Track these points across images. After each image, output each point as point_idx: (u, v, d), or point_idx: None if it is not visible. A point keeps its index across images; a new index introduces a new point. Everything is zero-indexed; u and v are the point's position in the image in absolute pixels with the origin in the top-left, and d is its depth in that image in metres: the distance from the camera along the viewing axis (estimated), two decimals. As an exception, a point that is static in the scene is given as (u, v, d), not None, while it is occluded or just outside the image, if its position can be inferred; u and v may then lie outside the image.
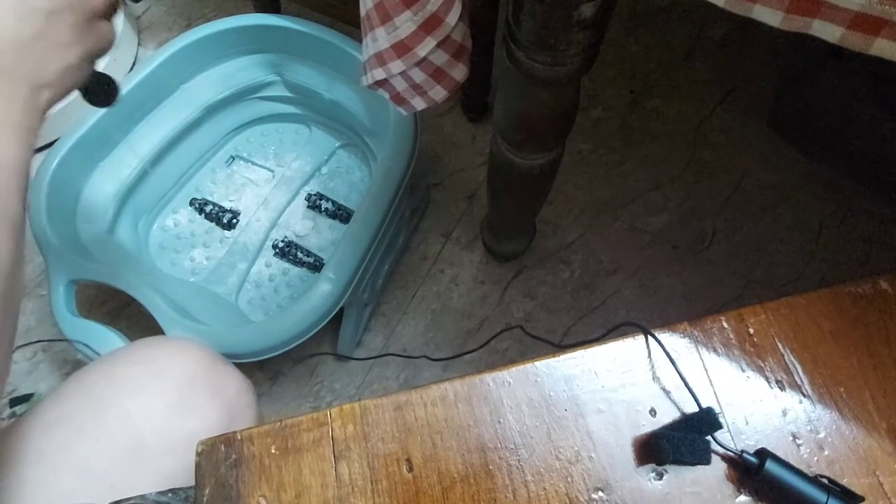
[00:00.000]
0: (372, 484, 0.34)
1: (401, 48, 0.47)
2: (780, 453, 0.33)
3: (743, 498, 0.34)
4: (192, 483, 0.34)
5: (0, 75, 0.30)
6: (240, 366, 0.53)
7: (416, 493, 0.33)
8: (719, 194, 0.96)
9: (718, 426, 0.34)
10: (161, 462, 0.38)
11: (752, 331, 0.38)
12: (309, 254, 0.89)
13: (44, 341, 0.85)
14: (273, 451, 0.34)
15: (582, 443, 0.35)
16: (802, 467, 0.33)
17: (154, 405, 0.38)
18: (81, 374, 0.41)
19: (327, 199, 0.92)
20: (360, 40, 0.53)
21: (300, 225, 0.91)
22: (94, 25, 0.35)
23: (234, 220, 0.91)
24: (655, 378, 0.36)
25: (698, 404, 0.35)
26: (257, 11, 0.95)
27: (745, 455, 0.33)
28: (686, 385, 0.35)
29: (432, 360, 0.83)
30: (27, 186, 0.31)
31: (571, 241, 0.93)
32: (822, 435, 0.35)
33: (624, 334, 0.38)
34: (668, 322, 0.38)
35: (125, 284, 0.69)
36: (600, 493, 0.34)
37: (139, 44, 1.12)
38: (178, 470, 0.38)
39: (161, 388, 0.39)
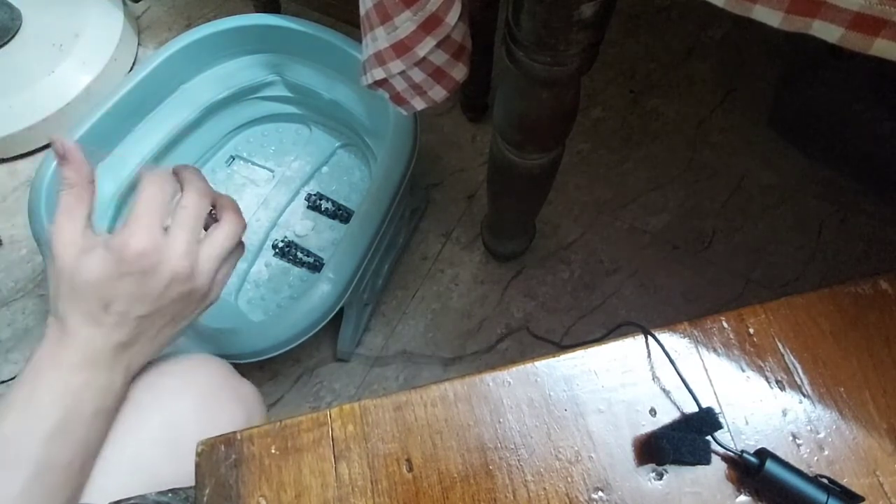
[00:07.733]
0: (372, 484, 0.34)
1: (400, 48, 0.47)
2: (780, 453, 0.33)
3: (743, 498, 0.34)
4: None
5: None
6: (239, 366, 0.54)
7: (416, 493, 0.33)
8: (719, 194, 0.96)
9: (718, 426, 0.34)
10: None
11: (752, 331, 0.38)
12: (309, 254, 0.88)
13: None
14: (273, 451, 0.34)
15: (582, 443, 0.35)
16: (802, 467, 0.33)
17: (187, 411, 0.43)
18: None
19: (327, 199, 0.92)
20: (360, 40, 0.53)
21: (300, 225, 0.91)
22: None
23: (234, 220, 0.91)
24: (655, 378, 0.36)
25: (698, 404, 0.35)
26: (257, 11, 0.95)
27: (745, 455, 0.33)
28: (686, 385, 0.35)
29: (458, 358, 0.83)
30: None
31: (571, 241, 0.93)
32: (822, 435, 0.35)
33: (624, 334, 0.38)
34: (668, 322, 0.38)
35: (125, 284, 0.68)
36: (600, 493, 0.34)
37: (139, 44, 1.12)
38: None
39: (192, 395, 0.44)
